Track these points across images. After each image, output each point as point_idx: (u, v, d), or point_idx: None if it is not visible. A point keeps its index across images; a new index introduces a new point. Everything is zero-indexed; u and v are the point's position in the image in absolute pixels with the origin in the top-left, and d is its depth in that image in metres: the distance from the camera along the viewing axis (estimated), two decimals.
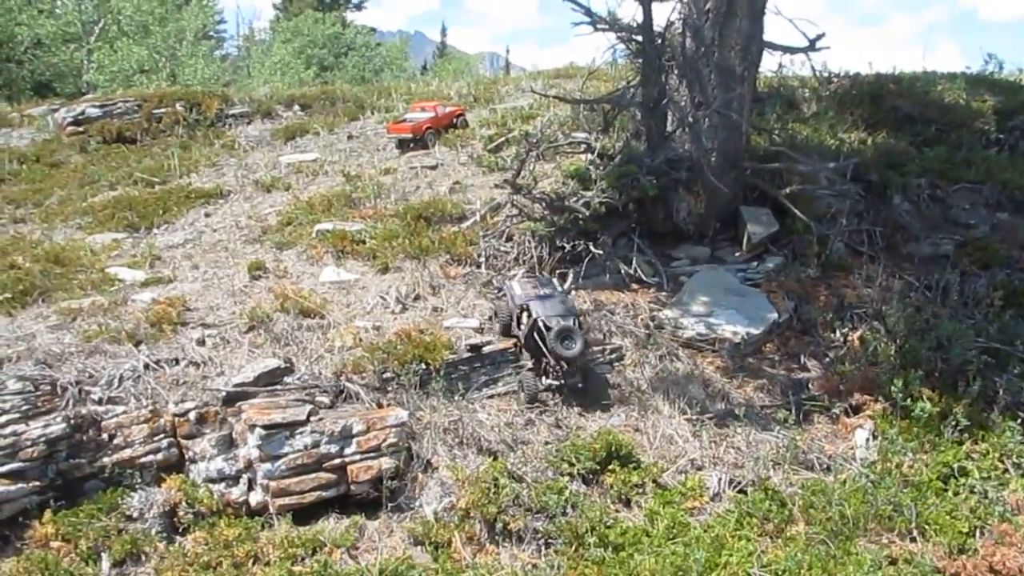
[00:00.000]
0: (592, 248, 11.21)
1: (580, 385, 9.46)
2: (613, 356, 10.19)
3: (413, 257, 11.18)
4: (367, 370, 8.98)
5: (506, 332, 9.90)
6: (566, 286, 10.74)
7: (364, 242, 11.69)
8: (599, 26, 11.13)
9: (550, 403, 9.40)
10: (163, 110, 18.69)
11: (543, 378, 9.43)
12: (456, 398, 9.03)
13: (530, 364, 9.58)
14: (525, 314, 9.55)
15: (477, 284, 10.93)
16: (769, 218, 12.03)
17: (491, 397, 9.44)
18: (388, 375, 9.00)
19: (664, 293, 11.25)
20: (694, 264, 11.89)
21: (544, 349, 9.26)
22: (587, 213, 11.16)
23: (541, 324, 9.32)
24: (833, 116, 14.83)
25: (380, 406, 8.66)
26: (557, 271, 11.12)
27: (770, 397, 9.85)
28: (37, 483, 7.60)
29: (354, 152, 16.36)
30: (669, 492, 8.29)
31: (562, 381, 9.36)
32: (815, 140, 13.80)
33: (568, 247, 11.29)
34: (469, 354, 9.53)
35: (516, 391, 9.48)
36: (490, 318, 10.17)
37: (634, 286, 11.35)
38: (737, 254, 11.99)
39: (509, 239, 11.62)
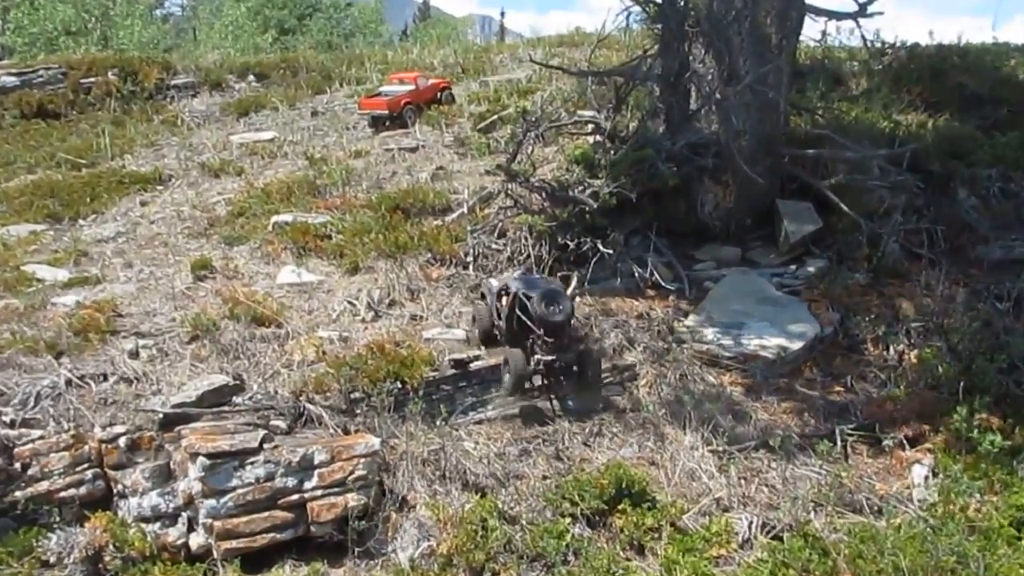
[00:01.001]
0: (601, 247, 11.24)
1: (576, 368, 9.47)
2: (625, 375, 10.20)
3: (388, 255, 11.22)
4: (332, 389, 8.96)
5: (487, 339, 9.94)
6: (570, 291, 10.73)
7: (330, 237, 11.75)
8: None
9: (545, 414, 9.40)
10: (93, 80, 18.80)
11: (532, 359, 9.35)
12: (438, 423, 8.99)
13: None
14: (505, 297, 9.61)
15: (463, 288, 10.97)
16: (810, 214, 12.08)
17: (479, 422, 9.43)
18: (357, 395, 8.98)
19: (685, 301, 11.30)
20: (721, 267, 11.97)
21: (530, 324, 9.25)
22: (595, 205, 11.20)
23: (522, 296, 9.34)
24: (887, 94, 14.93)
25: (347, 432, 8.64)
26: (559, 273, 11.12)
27: (810, 426, 9.85)
28: None
29: (319, 131, 16.42)
30: (690, 537, 8.25)
31: (554, 357, 9.32)
32: (865, 122, 13.86)
33: (572, 245, 11.35)
34: (453, 371, 9.54)
35: (503, 373, 9.42)
36: (471, 320, 10.19)
37: (650, 292, 11.40)
38: (772, 256, 12.06)
39: (502, 235, 11.66)
